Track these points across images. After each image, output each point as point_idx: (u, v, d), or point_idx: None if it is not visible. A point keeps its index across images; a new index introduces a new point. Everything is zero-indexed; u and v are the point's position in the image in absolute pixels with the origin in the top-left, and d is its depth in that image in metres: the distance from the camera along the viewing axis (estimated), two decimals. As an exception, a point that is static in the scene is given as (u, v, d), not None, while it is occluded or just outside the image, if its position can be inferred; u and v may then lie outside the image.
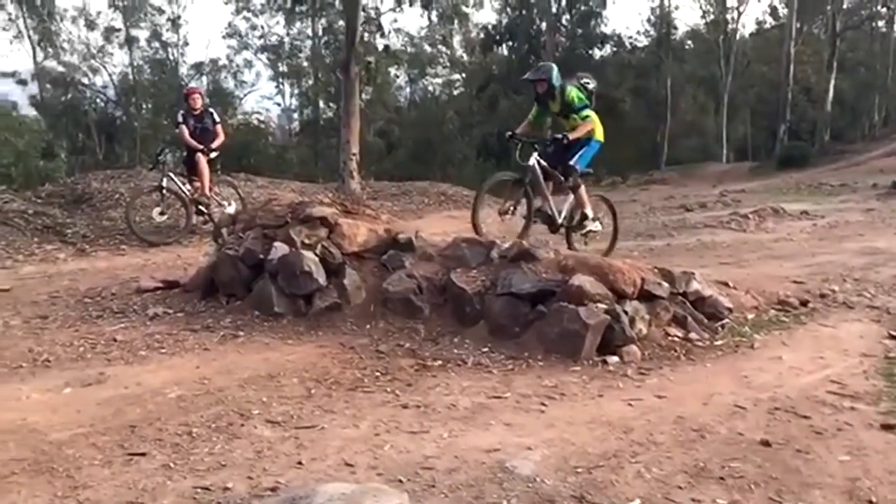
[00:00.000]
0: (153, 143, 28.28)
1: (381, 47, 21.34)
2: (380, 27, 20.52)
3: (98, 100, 35.46)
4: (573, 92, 6.87)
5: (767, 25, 36.93)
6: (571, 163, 6.89)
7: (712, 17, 34.55)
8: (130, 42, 34.71)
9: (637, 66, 33.45)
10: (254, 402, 3.77)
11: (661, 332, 4.76)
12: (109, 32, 34.55)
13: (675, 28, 34.97)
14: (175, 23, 35.35)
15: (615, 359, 4.40)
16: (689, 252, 8.61)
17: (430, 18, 21.78)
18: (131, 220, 9.79)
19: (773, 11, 36.30)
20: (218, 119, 10.82)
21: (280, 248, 5.57)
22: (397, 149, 32.73)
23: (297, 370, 4.26)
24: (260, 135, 31.88)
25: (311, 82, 36.93)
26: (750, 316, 5.31)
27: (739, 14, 34.09)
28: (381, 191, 15.54)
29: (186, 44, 36.49)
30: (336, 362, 4.42)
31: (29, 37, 31.35)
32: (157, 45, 35.54)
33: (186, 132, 10.38)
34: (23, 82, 33.27)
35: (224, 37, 38.07)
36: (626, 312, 4.62)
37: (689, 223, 11.30)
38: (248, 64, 37.58)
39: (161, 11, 35.15)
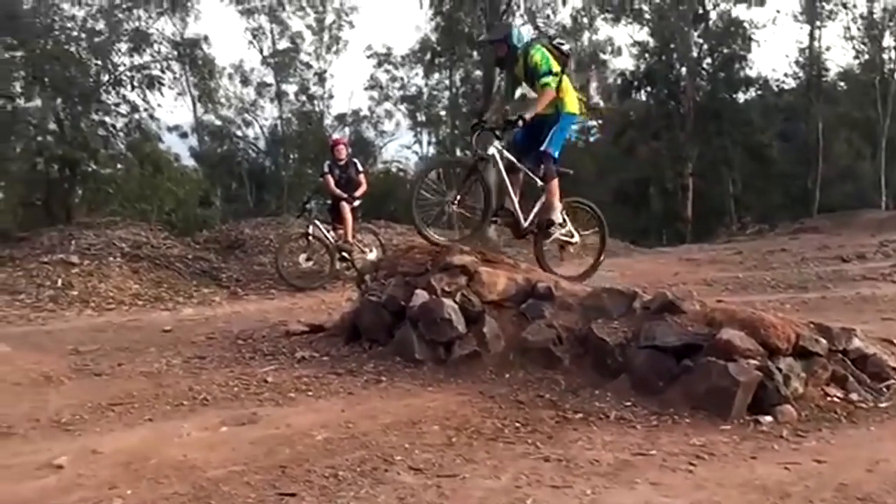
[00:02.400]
0: (299, 192, 29.71)
1: (517, 95, 21.57)
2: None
3: (250, 150, 37.80)
4: (537, 54, 5.91)
5: (929, 64, 34.60)
6: (543, 148, 6.03)
7: (867, 57, 32.76)
8: (280, 96, 36.90)
9: (785, 109, 32.09)
10: (396, 447, 3.82)
11: (818, 392, 4.47)
12: (262, 87, 36.97)
13: (827, 69, 33.32)
14: (321, 77, 37.29)
15: (768, 419, 4.17)
16: (846, 306, 8.08)
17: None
18: (280, 265, 10.32)
19: (936, 49, 34.01)
20: (361, 168, 11.28)
21: (421, 296, 5.68)
22: (535, 196, 32.81)
23: (438, 417, 4.30)
24: (399, 183, 32.86)
25: (448, 131, 37.83)
26: (919, 377, 4.90)
27: (898, 53, 32.16)
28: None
29: (331, 96, 38.32)
30: (476, 411, 4.43)
31: (191, 93, 33.90)
32: (304, 98, 37.55)
33: (332, 181, 10.87)
34: (184, 135, 35.94)
35: (366, 88, 39.70)
36: (779, 370, 4.37)
37: (847, 275, 10.61)
38: (389, 114, 39.03)
39: (309, 66, 37.19)
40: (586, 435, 4.01)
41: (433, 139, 40.69)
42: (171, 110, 55.45)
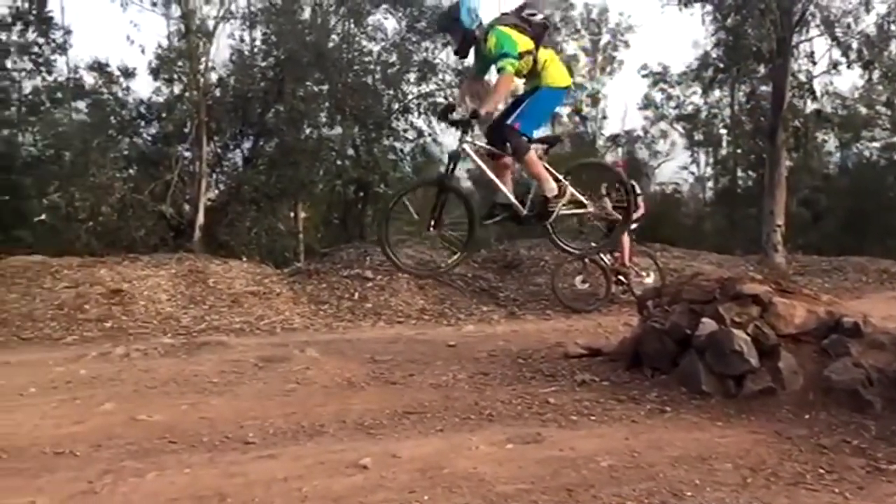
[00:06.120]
0: (573, 214, 30.00)
1: (810, 111, 19.96)
2: (811, 91, 19.20)
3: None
4: (492, 37, 5.20)
5: None
6: (508, 122, 5.37)
7: None
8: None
9: None
10: (685, 482, 3.68)
11: None
12: (548, 112, 37.89)
13: None
14: (594, 98, 37.32)
15: None
16: None
17: (870, 78, 19.79)
18: (556, 286, 10.44)
19: None
20: (639, 191, 11.08)
21: (708, 325, 5.44)
22: (824, 219, 30.19)
23: (730, 455, 4.07)
24: (674, 205, 31.92)
25: (729, 150, 36.06)
26: None
27: None
28: (808, 265, 14.42)
29: (605, 117, 38.08)
30: (772, 452, 4.14)
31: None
32: (577, 119, 37.79)
33: (609, 204, 10.79)
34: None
35: (640, 108, 39.00)
36: None
37: None
38: (664, 134, 37.96)
39: (582, 88, 37.43)
40: (905, 490, 3.59)
41: (711, 159, 39.02)
42: (451, 135, 58.54)
